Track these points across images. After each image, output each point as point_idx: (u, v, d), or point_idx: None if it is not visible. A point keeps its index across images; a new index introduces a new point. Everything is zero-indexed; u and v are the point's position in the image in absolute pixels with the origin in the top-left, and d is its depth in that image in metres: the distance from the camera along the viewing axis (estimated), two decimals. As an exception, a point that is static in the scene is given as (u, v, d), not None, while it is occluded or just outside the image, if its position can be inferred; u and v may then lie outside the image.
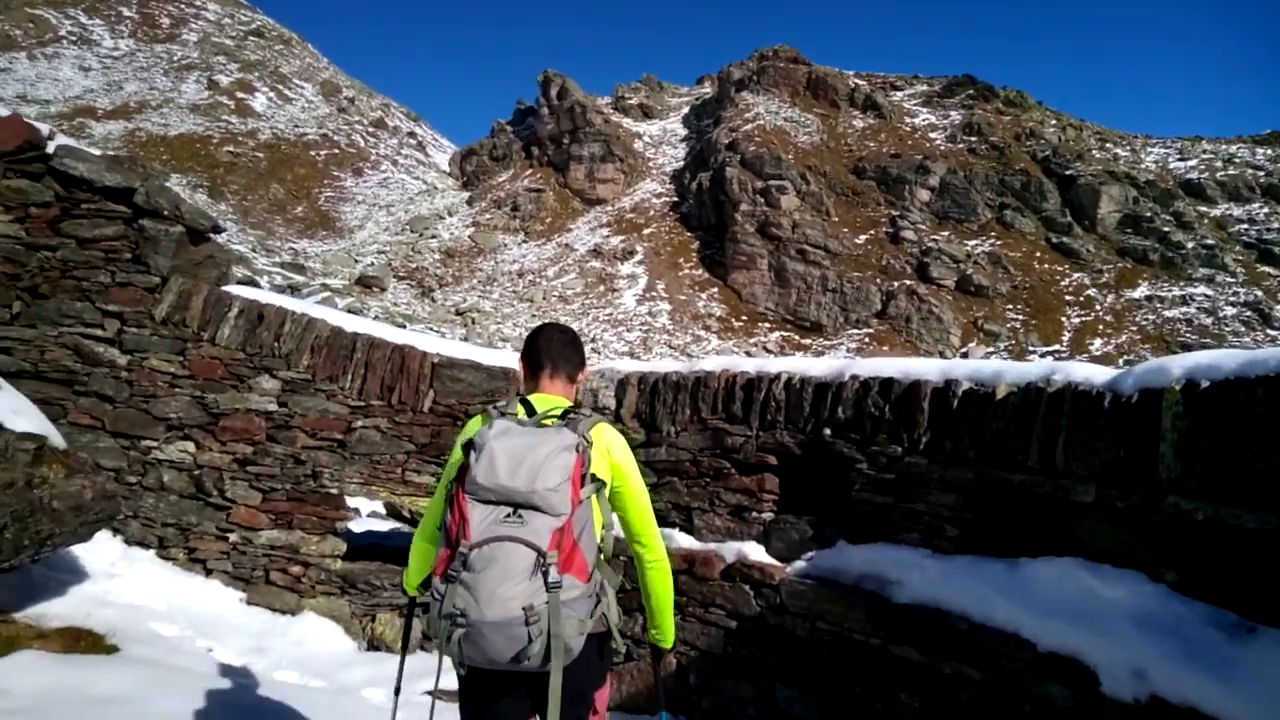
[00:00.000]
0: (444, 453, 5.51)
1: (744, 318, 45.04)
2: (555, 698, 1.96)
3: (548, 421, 2.21)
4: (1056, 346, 39.67)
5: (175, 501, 5.51)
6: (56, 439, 4.61)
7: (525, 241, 54.79)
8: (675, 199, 55.56)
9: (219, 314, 5.66)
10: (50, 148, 5.57)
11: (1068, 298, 43.17)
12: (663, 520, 4.96)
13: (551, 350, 2.50)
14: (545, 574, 1.95)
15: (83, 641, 4.27)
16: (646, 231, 52.77)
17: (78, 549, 4.96)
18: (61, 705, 3.50)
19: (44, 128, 5.68)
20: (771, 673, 4.15)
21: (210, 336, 5.64)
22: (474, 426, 2.32)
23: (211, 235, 6.00)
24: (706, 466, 4.83)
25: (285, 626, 5.26)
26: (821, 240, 45.75)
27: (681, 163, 58.76)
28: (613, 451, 2.36)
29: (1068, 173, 48.62)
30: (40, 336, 5.52)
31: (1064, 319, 41.83)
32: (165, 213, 5.69)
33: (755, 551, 4.44)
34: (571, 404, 2.42)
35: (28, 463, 4.31)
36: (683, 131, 63.70)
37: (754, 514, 4.58)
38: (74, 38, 68.91)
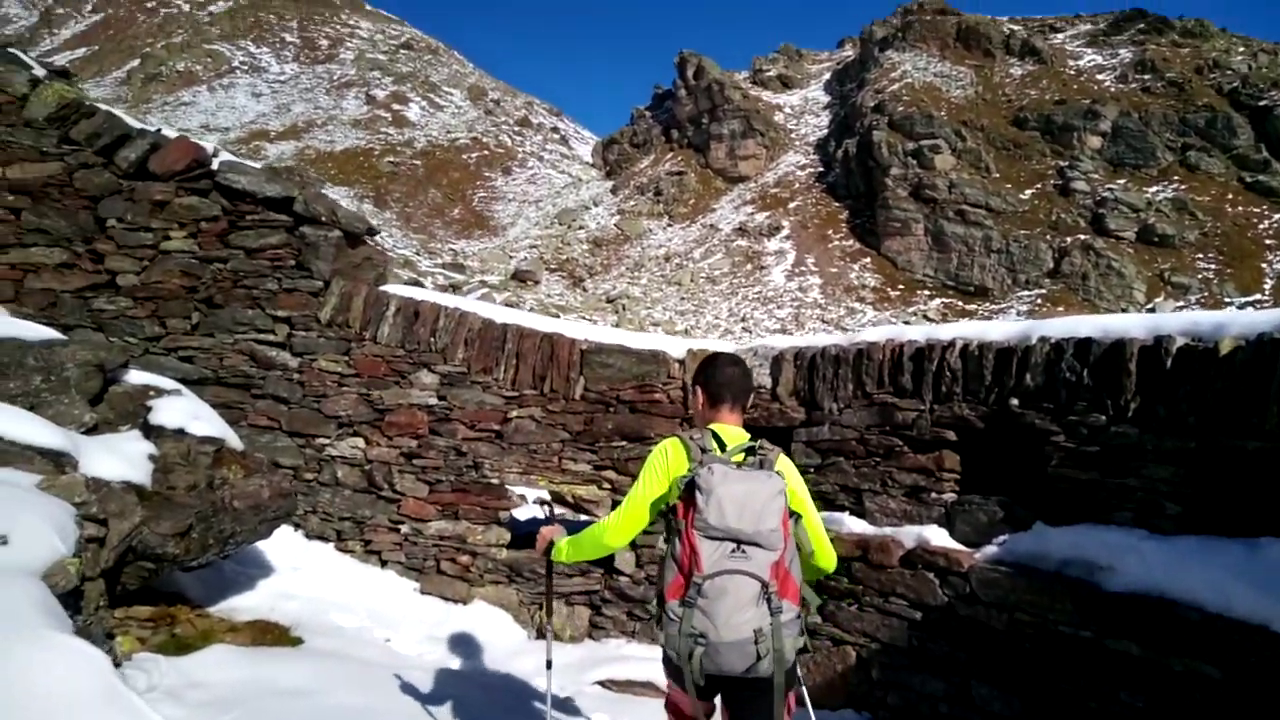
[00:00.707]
0: (597, 440, 5.42)
1: (900, 287, 43.19)
2: (780, 703, 2.35)
3: (737, 457, 2.53)
4: (1257, 296, 35.59)
5: (349, 496, 5.70)
6: (234, 441, 4.83)
7: (670, 225, 54.84)
8: (820, 169, 53.95)
9: (378, 313, 5.80)
10: (215, 164, 5.86)
11: (1268, 242, 38.69)
12: (829, 503, 4.66)
13: (732, 385, 2.77)
14: (769, 601, 2.34)
15: (269, 634, 4.46)
16: (792, 205, 51.56)
17: (263, 544, 5.22)
18: (250, 698, 3.63)
19: (209, 145, 5.99)
20: (965, 668, 3.78)
21: (372, 335, 5.79)
22: (679, 458, 2.62)
23: (367, 238, 6.16)
24: (875, 445, 4.48)
25: (457, 616, 5.33)
26: (982, 199, 43.11)
27: (825, 131, 56.97)
28: (793, 482, 2.62)
29: (1261, 103, 43.44)
30: (218, 344, 5.84)
31: (1264, 265, 37.51)
32: (323, 218, 5.87)
33: (937, 536, 4.07)
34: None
35: (208, 465, 4.53)
36: (825, 99, 61.73)
37: (933, 495, 4.20)
38: (245, 67, 74.72)
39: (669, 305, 44.19)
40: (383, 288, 6.01)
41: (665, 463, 2.63)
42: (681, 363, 5.43)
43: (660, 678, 3.07)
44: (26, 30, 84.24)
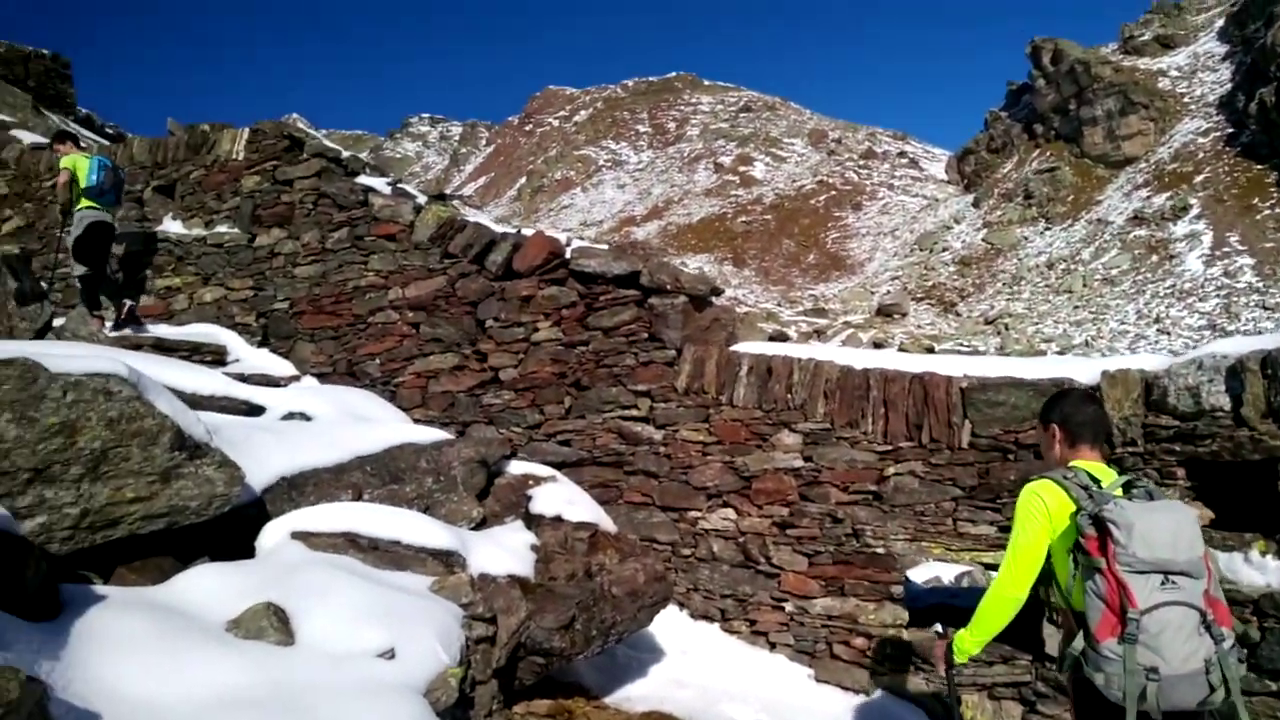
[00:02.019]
0: (998, 496, 4.52)
1: (1372, 250, 34.32)
2: None
3: (1117, 492, 2.54)
4: None
5: (727, 571, 5.39)
6: (607, 523, 4.77)
7: (1048, 229, 49.56)
8: (1229, 131, 45.43)
9: (731, 375, 5.52)
10: (567, 253, 6.07)
11: None
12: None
13: (1093, 423, 2.80)
14: (1209, 630, 2.33)
15: (662, 729, 4.23)
16: (1199, 179, 43.87)
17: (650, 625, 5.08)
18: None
19: (561, 237, 6.24)
20: None
21: (728, 398, 5.51)
22: (1059, 498, 2.62)
23: (712, 299, 5.96)
24: None
25: (860, 709, 4.71)
26: None
27: (1228, 86, 48.08)
28: None
29: None
30: (589, 425, 5.95)
31: None
32: (668, 287, 5.78)
33: None
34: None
35: (585, 551, 4.48)
36: (1220, 50, 52.27)
37: None
38: (609, 164, 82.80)
39: (1060, 317, 39.58)
40: (734, 347, 5.73)
41: (1043, 505, 2.64)
42: (1097, 389, 4.37)
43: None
44: (441, 171, 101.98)
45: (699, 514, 5.54)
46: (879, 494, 4.92)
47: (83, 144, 8.68)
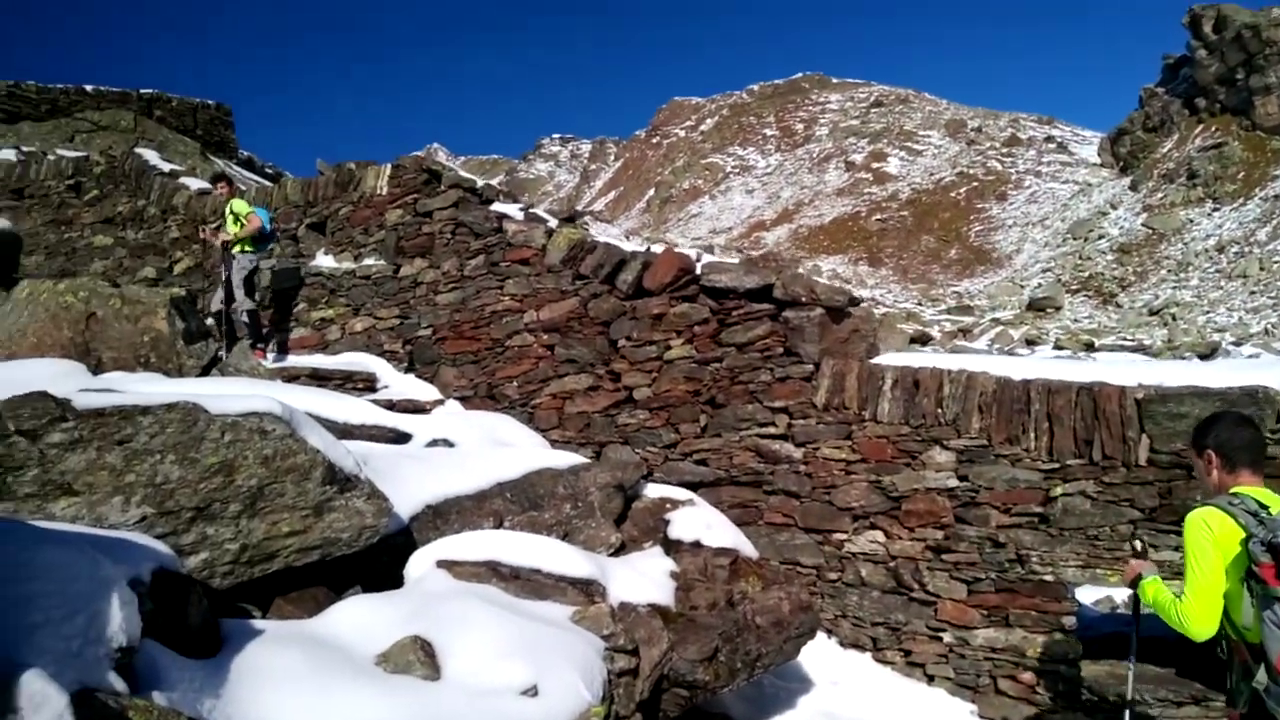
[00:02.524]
0: (1183, 518, 4.06)
1: None
2: None
3: None
4: None
5: (877, 598, 5.13)
6: (747, 549, 4.62)
7: (1216, 209, 45.55)
8: None
9: (874, 389, 5.25)
10: (698, 269, 5.96)
11: None
12: None
13: (1251, 447, 2.71)
14: None
15: (813, 768, 4.03)
16: (1399, 143, 39.22)
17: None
18: None
19: (691, 253, 6.15)
20: None
21: (871, 414, 5.25)
22: (1226, 526, 2.52)
23: (850, 310, 5.71)
24: None
25: (1029, 747, 4.35)
26: None
27: None
28: None
29: None
30: (725, 443, 5.81)
31: None
32: (802, 299, 5.58)
33: None
34: None
35: (726, 579, 4.34)
36: None
37: None
38: (737, 170, 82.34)
39: (1234, 305, 36.26)
40: (876, 360, 5.47)
41: (1211, 534, 2.56)
42: (1296, 398, 3.87)
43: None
44: (572, 189, 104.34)
45: (844, 536, 5.29)
46: (1045, 516, 4.54)
47: (241, 186, 9.34)
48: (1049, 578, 4.47)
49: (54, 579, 2.14)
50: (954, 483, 4.85)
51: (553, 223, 7.11)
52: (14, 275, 9.43)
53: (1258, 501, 2.54)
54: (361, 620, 3.26)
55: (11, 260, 9.29)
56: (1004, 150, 70.51)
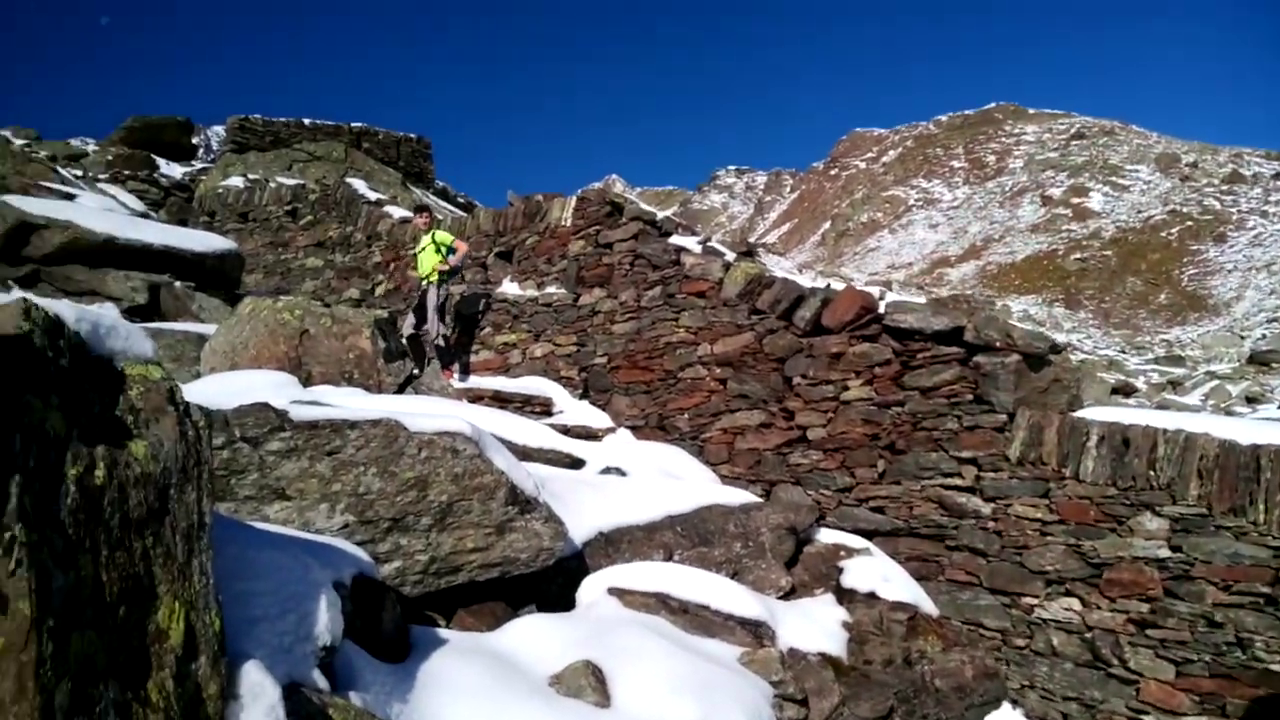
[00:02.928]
0: None
1: None
2: None
3: None
4: None
5: (1070, 670, 4.71)
6: (927, 605, 4.38)
7: None
8: None
9: (1076, 445, 4.86)
10: (881, 307, 5.77)
11: None
12: None
13: None
14: None
15: None
16: None
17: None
18: None
19: (874, 290, 5.96)
20: None
21: (1072, 472, 4.86)
22: None
23: (1051, 357, 5.33)
24: None
25: None
26: None
27: None
28: None
29: None
30: (905, 492, 5.55)
31: None
32: (997, 344, 5.27)
33: None
34: None
35: (903, 636, 4.13)
36: None
37: None
38: (921, 203, 79.52)
39: None
40: (1078, 413, 5.06)
41: None
42: None
43: None
44: (745, 221, 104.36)
45: (1035, 601, 4.91)
46: (1273, 598, 4.02)
47: (439, 216, 10.00)
48: (1276, 667, 3.94)
49: (271, 579, 2.32)
50: (1165, 553, 4.39)
51: (730, 256, 7.11)
52: (237, 291, 10.53)
53: None
54: (537, 639, 3.34)
55: (236, 278, 10.35)
56: (1223, 187, 64.25)
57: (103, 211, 10.68)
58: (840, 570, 4.54)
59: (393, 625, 2.99)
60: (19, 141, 19.56)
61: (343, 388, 5.99)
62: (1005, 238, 66.42)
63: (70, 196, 13.09)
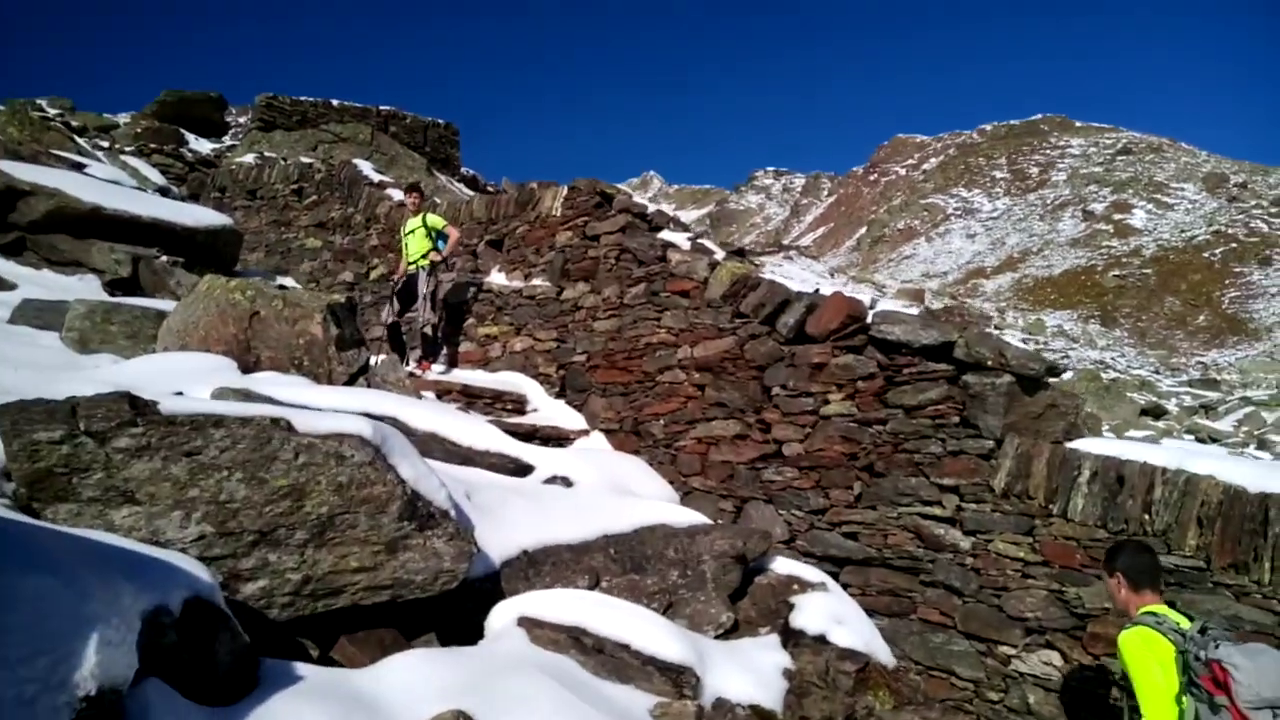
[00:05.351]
0: None
1: None
2: None
3: (1197, 634, 2.76)
4: None
5: (1045, 731, 4.21)
6: (881, 654, 3.91)
7: None
8: None
9: (1067, 479, 4.36)
10: (869, 317, 5.29)
11: None
12: None
13: (1152, 571, 3.16)
14: None
15: None
16: None
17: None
18: None
19: (865, 299, 5.48)
20: None
21: (1060, 510, 4.36)
22: (1158, 643, 2.83)
23: (1048, 380, 4.82)
24: None
25: None
26: None
27: None
28: None
29: None
30: (881, 518, 5.08)
31: None
32: (989, 362, 4.77)
33: None
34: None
35: (849, 689, 3.67)
36: None
37: None
38: (959, 212, 78.08)
39: None
40: (1073, 444, 4.55)
41: (1150, 651, 2.83)
42: None
43: None
44: (781, 223, 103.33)
45: (1012, 651, 4.41)
46: (1281, 672, 3.50)
47: (436, 200, 9.62)
48: (1282, 757, 3.42)
49: (24, 612, 1.92)
50: (1159, 610, 3.88)
51: (719, 255, 6.65)
52: (235, 270, 10.23)
53: (1172, 620, 2.90)
54: (412, 680, 2.93)
55: (231, 255, 10.05)
56: (1273, 210, 62.30)
57: (95, 181, 10.43)
58: (791, 607, 4.08)
59: (229, 658, 2.59)
60: (53, 111, 19.55)
61: (288, 375, 5.63)
62: (1043, 251, 65.03)
63: (80, 166, 12.92)
